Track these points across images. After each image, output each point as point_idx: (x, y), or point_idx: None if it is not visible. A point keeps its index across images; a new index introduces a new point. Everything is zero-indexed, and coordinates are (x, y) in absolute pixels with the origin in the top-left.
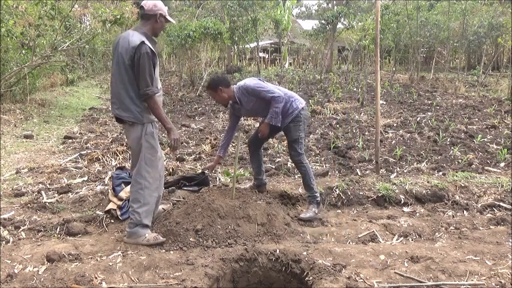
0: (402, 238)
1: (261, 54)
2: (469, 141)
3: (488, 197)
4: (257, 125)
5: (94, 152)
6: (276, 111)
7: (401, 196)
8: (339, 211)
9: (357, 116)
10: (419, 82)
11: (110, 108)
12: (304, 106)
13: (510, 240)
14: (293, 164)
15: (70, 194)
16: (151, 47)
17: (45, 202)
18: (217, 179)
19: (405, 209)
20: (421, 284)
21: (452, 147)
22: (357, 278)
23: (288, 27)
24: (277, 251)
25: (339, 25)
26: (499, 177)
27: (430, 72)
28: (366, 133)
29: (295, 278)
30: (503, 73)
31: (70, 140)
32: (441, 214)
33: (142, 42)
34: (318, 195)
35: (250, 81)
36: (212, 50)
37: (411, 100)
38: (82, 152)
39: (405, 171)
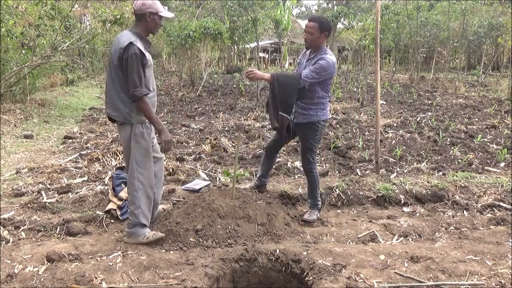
0: (402, 238)
1: (261, 54)
2: (469, 141)
3: (488, 197)
4: (257, 125)
5: (94, 152)
6: (304, 77)
7: (401, 196)
8: (339, 211)
9: (357, 116)
10: (419, 82)
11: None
12: (328, 120)
13: (510, 240)
14: (293, 164)
15: (70, 194)
16: (140, 47)
17: (45, 202)
18: (217, 179)
19: (405, 209)
20: (421, 284)
21: (452, 147)
22: (357, 278)
23: (288, 27)
24: (277, 251)
25: (339, 25)
26: (499, 177)
27: (430, 72)
28: (366, 133)
29: (295, 278)
30: (503, 73)
31: (70, 140)
32: (441, 214)
33: (131, 43)
34: (320, 203)
35: (327, 64)
36: (212, 50)
37: (411, 100)
38: (82, 152)
39: (405, 171)
